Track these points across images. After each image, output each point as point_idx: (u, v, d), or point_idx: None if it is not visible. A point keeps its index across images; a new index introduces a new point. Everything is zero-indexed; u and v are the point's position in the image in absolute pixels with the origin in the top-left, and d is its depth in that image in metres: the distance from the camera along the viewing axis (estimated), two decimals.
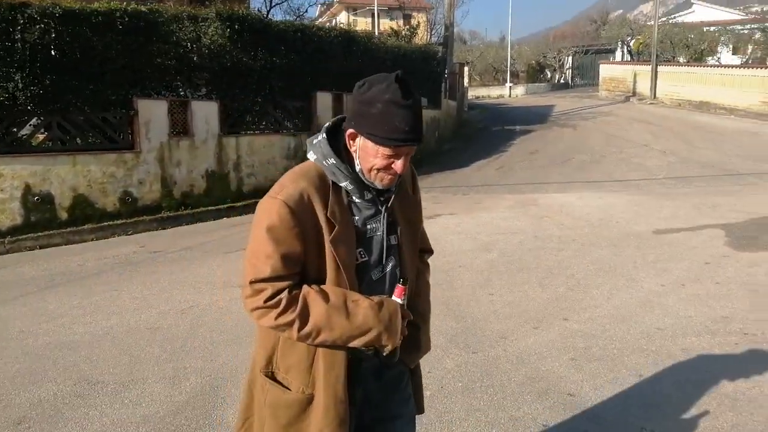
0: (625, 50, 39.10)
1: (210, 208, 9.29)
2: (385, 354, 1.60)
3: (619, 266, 5.70)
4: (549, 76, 48.71)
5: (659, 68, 26.63)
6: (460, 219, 8.31)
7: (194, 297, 5.21)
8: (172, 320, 4.67)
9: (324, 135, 1.60)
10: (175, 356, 3.98)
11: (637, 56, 35.01)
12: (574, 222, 7.78)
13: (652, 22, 28.14)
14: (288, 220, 1.49)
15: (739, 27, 33.17)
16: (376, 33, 28.64)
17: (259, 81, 10.27)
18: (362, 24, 43.96)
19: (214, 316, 4.73)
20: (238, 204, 9.59)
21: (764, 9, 45.63)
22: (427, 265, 1.91)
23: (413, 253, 1.75)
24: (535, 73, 48.31)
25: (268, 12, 16.36)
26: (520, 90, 42.22)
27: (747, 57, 31.07)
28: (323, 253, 1.54)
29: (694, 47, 30.67)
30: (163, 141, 8.96)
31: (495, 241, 6.91)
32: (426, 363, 3.67)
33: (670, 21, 35.22)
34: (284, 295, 1.52)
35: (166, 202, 8.95)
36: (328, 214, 1.53)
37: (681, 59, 30.62)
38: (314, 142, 1.62)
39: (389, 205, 1.64)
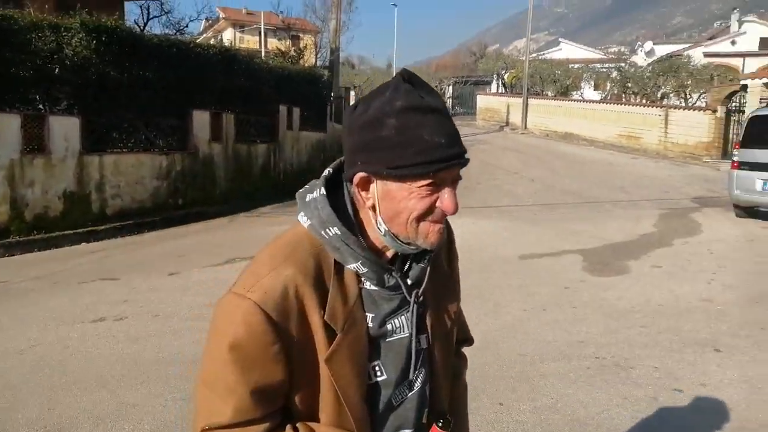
0: (500, 82, 41.63)
1: (67, 232, 8.52)
2: None
3: (487, 291, 5.90)
4: None
5: (530, 101, 28.62)
6: None
7: (38, 335, 4.68)
8: (8, 363, 4.14)
9: (322, 189, 1.05)
10: (6, 406, 3.51)
11: (510, 89, 37.34)
12: (463, 245, 7.98)
13: (524, 58, 30.25)
14: (263, 334, 0.96)
15: (599, 65, 36.52)
16: (263, 52, 28.28)
17: (129, 96, 9.67)
18: (250, 42, 43.37)
19: (58, 357, 4.26)
20: (101, 228, 8.89)
21: (621, 50, 50.73)
22: (465, 360, 1.38)
23: (449, 356, 1.20)
24: None
25: (145, 25, 15.57)
26: None
27: (606, 93, 34.24)
28: (318, 375, 1.01)
29: (560, 82, 33.28)
30: (14, 158, 8.13)
31: None
32: None
33: (540, 57, 38.07)
34: None
35: (15, 225, 8.09)
36: (325, 318, 0.99)
37: (549, 93, 33.09)
38: (307, 199, 1.06)
39: (421, 290, 1.09)
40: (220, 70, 11.73)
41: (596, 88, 36.12)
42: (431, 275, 1.10)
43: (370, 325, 1.04)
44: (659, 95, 28.08)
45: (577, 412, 3.46)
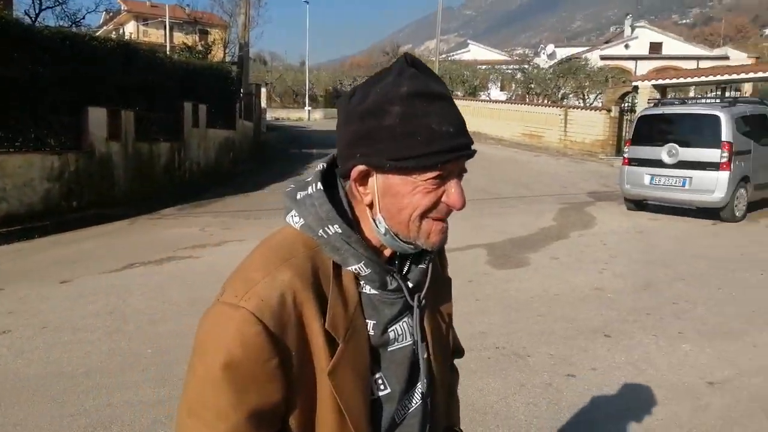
0: None
1: None
2: None
3: None
4: None
5: None
6: (249, 245, 8.02)
7: None
8: None
9: (319, 185, 0.95)
10: None
11: None
12: None
13: (434, 59, 30.91)
14: (261, 348, 0.84)
15: (505, 67, 37.98)
16: (168, 47, 27.16)
17: (15, 92, 8.96)
18: (155, 36, 41.46)
19: None
20: None
21: (525, 52, 52.97)
22: (458, 373, 1.30)
23: (446, 365, 1.14)
24: (332, 99, 49.94)
25: (37, 16, 14.48)
26: (318, 114, 43.21)
27: (511, 93, 35.65)
28: (317, 391, 0.90)
29: (469, 83, 34.32)
30: None
31: None
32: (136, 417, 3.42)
33: (450, 58, 39.04)
34: None
35: None
36: (326, 326, 0.89)
37: (459, 93, 34.01)
38: (299, 196, 0.96)
39: (423, 293, 1.01)
40: (118, 64, 11.12)
41: (502, 88, 37.55)
42: (432, 284, 1.02)
43: (372, 332, 0.94)
44: (560, 96, 29.60)
45: (476, 401, 3.57)
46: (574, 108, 23.54)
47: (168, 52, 20.89)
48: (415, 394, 1.01)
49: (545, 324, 4.92)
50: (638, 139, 10.45)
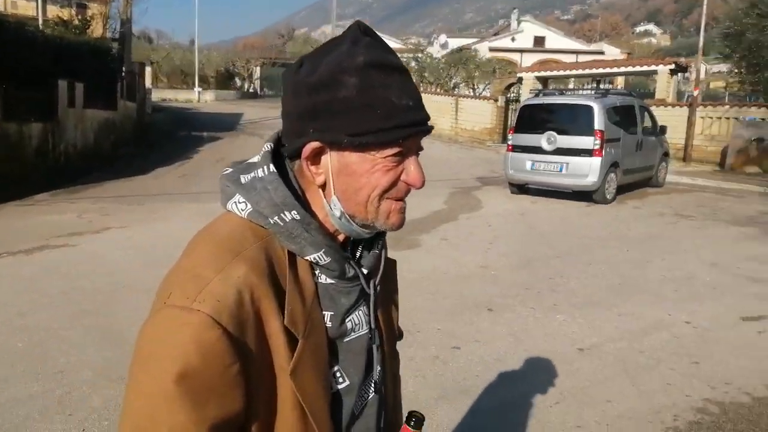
0: None
1: None
2: None
3: None
4: (238, 84, 49.18)
5: None
6: (132, 232, 7.66)
7: None
8: None
9: (271, 167, 0.86)
10: None
11: None
12: None
13: None
14: (221, 355, 0.75)
15: (400, 55, 38.47)
16: (41, 20, 24.88)
17: None
18: (25, 9, 37.69)
19: None
20: None
21: (420, 41, 53.98)
22: (398, 355, 1.19)
23: (394, 350, 1.10)
24: (224, 80, 48.23)
25: None
26: (209, 96, 41.59)
27: None
28: (276, 393, 0.83)
29: None
30: None
31: (169, 255, 6.45)
32: (63, 403, 3.22)
33: None
34: None
35: None
36: (286, 323, 0.81)
37: None
38: (245, 180, 0.87)
39: (378, 279, 0.96)
40: None
41: None
42: (387, 271, 0.98)
43: (329, 324, 0.88)
44: (451, 85, 30.53)
45: None
46: (464, 97, 24.39)
47: (41, 26, 19.11)
48: (371, 384, 0.96)
49: (435, 301, 5.11)
50: (521, 128, 11.05)
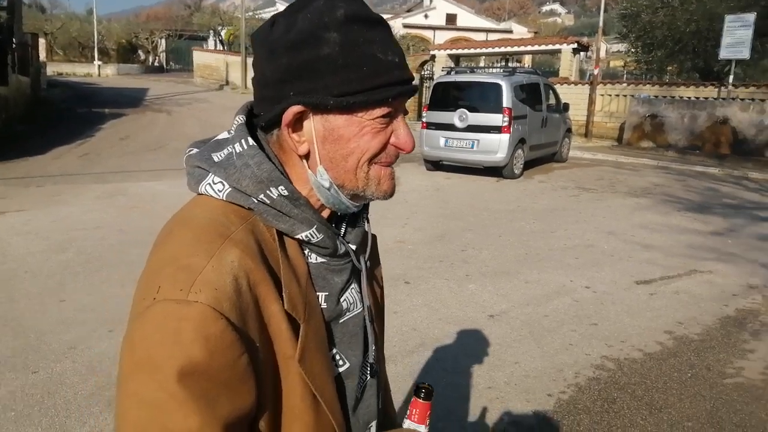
0: (218, 39, 40.31)
1: None
2: None
3: None
4: (143, 57, 46.62)
5: (249, 60, 28.38)
6: (30, 216, 7.19)
7: None
8: None
9: (250, 140, 0.78)
10: None
11: (228, 46, 36.49)
12: (165, 212, 7.56)
13: (241, 15, 29.71)
14: (229, 347, 0.68)
15: None
16: None
17: None
18: None
19: None
20: None
21: None
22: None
23: (383, 328, 1.05)
24: (127, 53, 45.52)
25: None
26: (111, 70, 39.19)
27: None
28: (280, 379, 0.76)
29: None
30: None
31: (72, 238, 6.21)
32: None
33: (257, 16, 37.81)
34: None
35: None
36: (286, 307, 0.75)
37: None
38: (219, 158, 0.80)
39: (367, 255, 0.92)
40: None
41: None
42: (372, 254, 0.93)
43: (324, 305, 0.82)
44: None
45: None
46: None
47: None
48: (368, 366, 0.91)
49: None
50: (434, 105, 11.27)
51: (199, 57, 33.24)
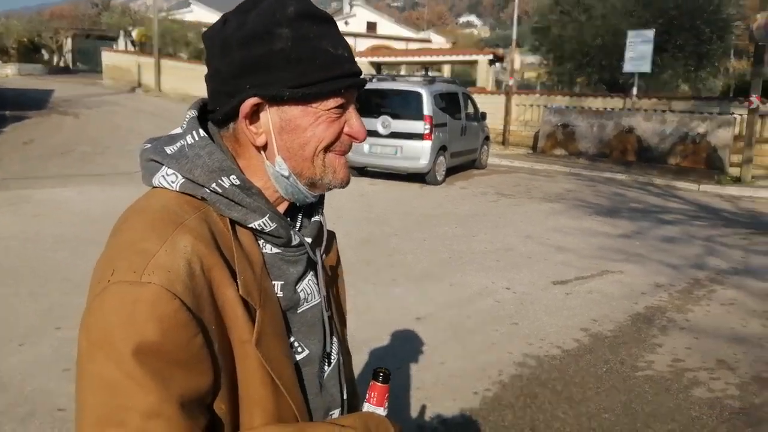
0: (129, 40, 38.64)
1: None
2: None
3: None
4: (47, 57, 43.91)
5: (163, 62, 27.37)
6: None
7: None
8: None
9: (201, 132, 0.81)
10: None
11: (140, 47, 35.05)
12: (74, 218, 7.20)
13: (153, 16, 28.62)
14: (183, 326, 0.70)
15: None
16: None
17: None
18: None
19: None
20: None
21: None
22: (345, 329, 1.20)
23: (342, 320, 1.08)
24: (29, 53, 42.65)
25: None
26: (10, 70, 36.58)
27: None
28: (238, 367, 0.78)
29: (194, 45, 32.70)
30: None
31: None
32: None
33: (170, 17, 36.58)
34: None
35: None
36: (240, 293, 0.77)
37: (183, 55, 32.21)
38: (172, 150, 0.81)
39: (323, 248, 0.95)
40: None
41: None
42: (328, 245, 0.96)
43: (280, 294, 0.84)
44: None
45: None
46: None
47: None
48: (332, 354, 0.95)
49: None
50: (358, 111, 11.32)
51: (108, 58, 31.64)
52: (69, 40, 43.40)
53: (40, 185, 9.34)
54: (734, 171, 12.98)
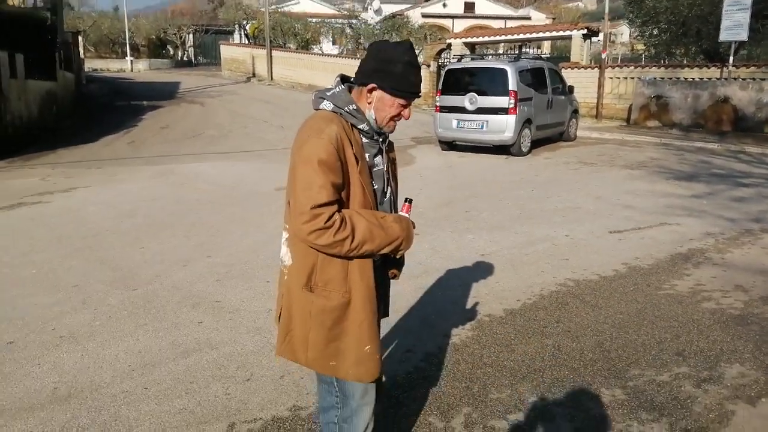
0: (243, 33, 41.53)
1: None
2: (398, 257, 2.09)
3: (249, 217, 6.96)
4: (172, 52, 48.18)
5: (274, 53, 29.52)
6: (98, 190, 8.43)
7: None
8: None
9: (342, 86, 1.96)
10: None
11: (253, 40, 37.66)
12: (210, 186, 8.80)
13: (264, 9, 30.83)
14: (334, 155, 1.80)
15: (335, 21, 38.89)
16: None
17: None
18: None
19: None
20: None
21: (354, 6, 54.01)
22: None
23: (397, 182, 2.21)
24: (156, 49, 47.13)
25: None
26: (142, 65, 40.80)
27: (342, 48, 36.80)
28: (352, 182, 1.87)
29: (301, 36, 34.75)
30: None
31: (137, 207, 7.41)
32: (86, 303, 4.26)
33: (280, 10, 38.88)
34: (337, 216, 1.80)
35: None
36: (354, 152, 1.87)
37: (292, 46, 34.35)
38: (329, 93, 1.94)
39: (385, 146, 2.05)
40: None
41: (334, 42, 38.48)
42: (389, 150, 2.09)
43: (368, 158, 1.96)
44: None
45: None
46: None
47: None
48: (387, 191, 2.05)
49: None
50: (446, 90, 12.25)
51: (226, 51, 34.48)
52: (190, 36, 47.25)
53: (180, 161, 11.17)
54: None
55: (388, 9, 44.88)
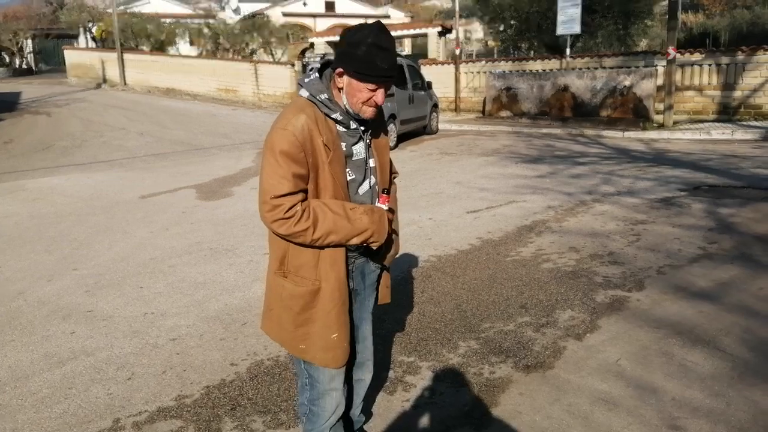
0: (89, 36, 38.84)
1: None
2: (374, 248, 2.06)
3: (114, 226, 6.75)
4: (8, 60, 43.78)
5: (126, 56, 27.94)
6: None
7: None
8: None
9: (316, 74, 1.96)
10: None
11: (101, 43, 35.37)
12: (68, 199, 8.34)
13: (112, 10, 29.07)
14: (297, 146, 1.82)
15: (190, 21, 37.54)
16: None
17: None
18: None
19: None
20: None
21: (211, 5, 52.38)
22: (395, 183, 2.35)
23: (386, 174, 2.16)
24: None
25: None
26: None
27: (201, 49, 35.66)
28: (320, 173, 1.90)
29: (154, 37, 33.17)
30: None
31: None
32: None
33: (128, 11, 36.83)
34: (298, 207, 1.85)
35: None
36: (324, 141, 1.87)
37: (145, 48, 32.71)
38: (306, 81, 1.95)
39: (369, 134, 2.03)
40: None
41: (192, 43, 37.15)
42: (375, 134, 2.08)
43: (344, 148, 1.97)
44: (249, 51, 30.90)
45: (198, 280, 4.88)
46: (262, 63, 25.12)
47: None
48: (369, 182, 2.07)
49: (247, 228, 6.40)
50: None
51: (71, 56, 32.04)
52: (29, 41, 43.28)
53: (30, 176, 10.39)
54: (659, 118, 14.47)
55: (247, 8, 44.15)
